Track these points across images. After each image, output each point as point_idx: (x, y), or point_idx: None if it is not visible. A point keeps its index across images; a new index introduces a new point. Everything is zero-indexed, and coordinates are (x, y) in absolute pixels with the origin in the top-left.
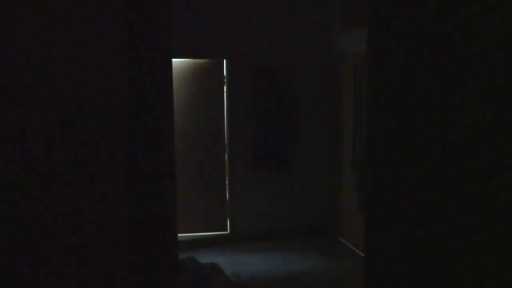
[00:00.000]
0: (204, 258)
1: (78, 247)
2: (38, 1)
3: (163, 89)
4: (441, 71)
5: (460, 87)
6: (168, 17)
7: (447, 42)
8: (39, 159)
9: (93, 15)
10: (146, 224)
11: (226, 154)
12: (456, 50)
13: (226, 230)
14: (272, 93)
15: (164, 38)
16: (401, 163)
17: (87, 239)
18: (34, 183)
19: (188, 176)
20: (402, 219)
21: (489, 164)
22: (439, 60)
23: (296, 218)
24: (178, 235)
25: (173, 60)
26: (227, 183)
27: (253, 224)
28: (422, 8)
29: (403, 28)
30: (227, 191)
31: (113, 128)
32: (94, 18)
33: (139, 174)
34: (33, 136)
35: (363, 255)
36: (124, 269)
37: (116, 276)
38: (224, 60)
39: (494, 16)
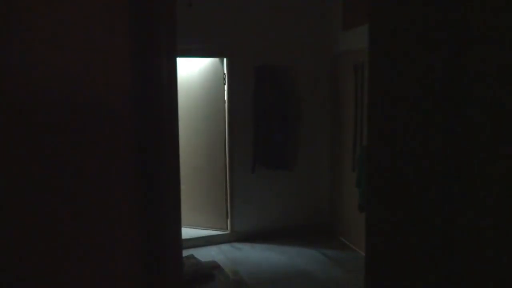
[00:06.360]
0: (205, 256)
1: (79, 242)
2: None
3: (169, 88)
4: (443, 69)
5: (462, 86)
6: (173, 13)
7: (449, 41)
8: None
9: (96, 11)
10: (149, 223)
11: (226, 153)
12: (457, 48)
13: (226, 229)
14: (273, 92)
15: (169, 36)
16: (401, 162)
17: (88, 233)
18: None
19: (188, 175)
20: (402, 218)
21: (490, 164)
22: (441, 59)
23: (296, 217)
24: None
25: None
26: (227, 182)
27: (253, 223)
28: (424, 7)
29: (405, 26)
30: (227, 190)
31: (117, 130)
32: (98, 15)
33: (143, 173)
34: (35, 136)
35: (363, 254)
36: (127, 266)
37: (118, 273)
38: (225, 59)
39: (495, 16)
